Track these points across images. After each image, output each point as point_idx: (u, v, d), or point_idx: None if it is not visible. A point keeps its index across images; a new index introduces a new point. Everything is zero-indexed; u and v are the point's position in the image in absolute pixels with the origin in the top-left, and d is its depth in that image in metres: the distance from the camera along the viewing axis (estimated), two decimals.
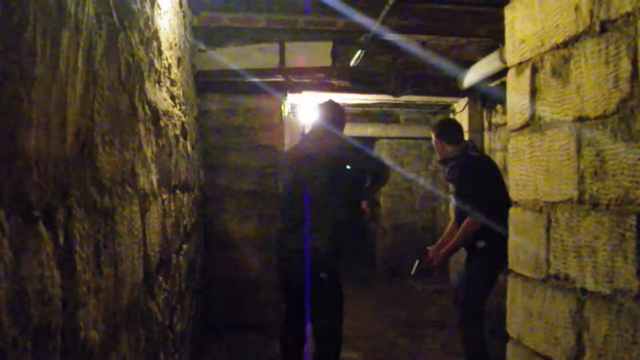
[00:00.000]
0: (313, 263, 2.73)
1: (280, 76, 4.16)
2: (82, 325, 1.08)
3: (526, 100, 1.60)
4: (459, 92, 4.67)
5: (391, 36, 3.52)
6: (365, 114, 6.77)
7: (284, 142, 4.54)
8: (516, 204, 1.68)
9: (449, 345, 4.21)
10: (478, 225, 3.09)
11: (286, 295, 3.07)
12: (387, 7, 2.91)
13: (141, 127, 1.69)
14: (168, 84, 2.31)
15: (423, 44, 3.86)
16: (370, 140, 7.55)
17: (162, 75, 2.15)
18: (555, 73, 1.45)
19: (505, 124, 4.11)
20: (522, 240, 1.63)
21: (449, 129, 3.45)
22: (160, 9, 2.08)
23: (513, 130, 1.70)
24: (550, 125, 1.48)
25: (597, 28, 1.27)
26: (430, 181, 7.13)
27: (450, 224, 3.62)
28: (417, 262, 3.48)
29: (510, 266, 1.71)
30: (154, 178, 1.89)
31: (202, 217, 3.95)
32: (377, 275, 7.40)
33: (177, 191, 2.56)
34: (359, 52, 3.87)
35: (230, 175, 4.23)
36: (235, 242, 4.22)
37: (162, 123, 2.09)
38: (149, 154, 1.81)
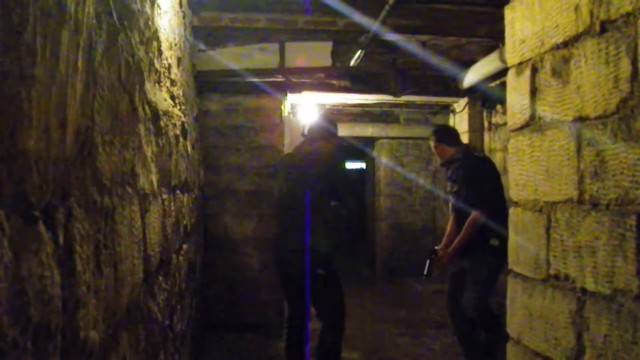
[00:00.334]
0: (312, 261, 2.91)
1: (280, 76, 4.16)
2: (82, 325, 1.08)
3: (526, 100, 1.60)
4: (459, 92, 4.66)
5: (391, 36, 3.52)
6: (365, 114, 6.77)
7: (284, 142, 4.54)
8: (516, 204, 1.68)
9: (449, 345, 4.21)
10: (482, 219, 3.21)
11: (288, 294, 3.24)
12: (387, 7, 2.91)
13: (141, 127, 1.69)
14: (168, 84, 2.31)
15: (423, 44, 3.86)
16: (370, 140, 7.56)
17: (162, 75, 2.15)
18: (555, 73, 1.45)
19: (505, 124, 4.11)
20: (522, 240, 1.63)
21: (447, 133, 3.61)
22: (160, 9, 2.08)
23: (513, 130, 1.70)
24: (550, 125, 1.48)
25: (597, 28, 1.27)
26: (430, 181, 7.13)
27: (450, 223, 3.66)
28: (427, 262, 3.49)
29: (510, 266, 1.71)
30: (154, 178, 1.89)
31: (202, 217, 3.95)
32: (377, 275, 7.40)
33: (177, 191, 2.56)
34: (359, 52, 3.87)
35: (230, 175, 4.23)
36: (235, 242, 4.21)
37: (162, 123, 2.09)
38: (149, 154, 1.81)
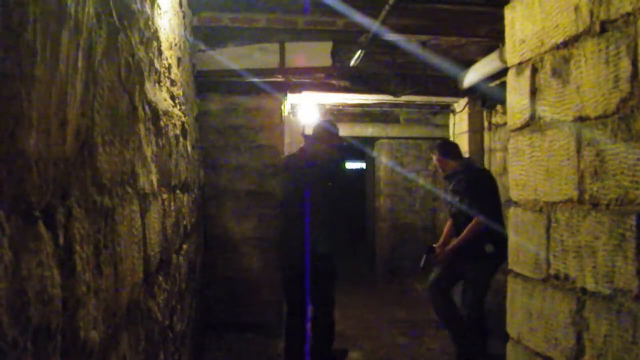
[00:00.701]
0: (314, 257, 3.22)
1: (280, 76, 4.16)
2: (82, 325, 1.08)
3: (526, 100, 1.60)
4: (459, 92, 4.66)
5: (391, 36, 3.52)
6: (365, 114, 6.77)
7: (284, 142, 4.54)
8: (516, 204, 1.68)
9: (449, 345, 4.21)
10: (483, 226, 3.49)
11: (289, 288, 3.47)
12: (387, 7, 2.90)
13: (141, 127, 1.69)
14: (168, 84, 2.31)
15: (423, 44, 3.86)
16: (370, 140, 7.55)
17: (162, 75, 2.15)
18: (555, 73, 1.45)
19: (505, 124, 4.11)
20: (522, 240, 1.63)
21: (450, 148, 3.95)
22: (160, 9, 2.08)
23: (513, 130, 1.70)
24: (550, 125, 1.48)
25: (597, 28, 1.27)
26: (430, 181, 7.13)
27: (447, 225, 3.99)
28: (424, 256, 3.84)
29: (510, 266, 1.71)
30: (154, 178, 1.89)
31: (202, 217, 3.95)
32: (377, 275, 7.40)
33: (177, 191, 2.56)
34: (359, 52, 3.86)
35: (230, 175, 4.23)
36: (235, 242, 4.21)
37: (162, 123, 2.09)
38: (149, 154, 1.81)
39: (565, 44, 1.40)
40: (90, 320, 1.13)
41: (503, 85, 3.64)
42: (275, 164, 4.31)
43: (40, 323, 0.86)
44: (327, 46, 4.05)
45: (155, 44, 1.97)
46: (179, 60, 2.66)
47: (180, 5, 2.79)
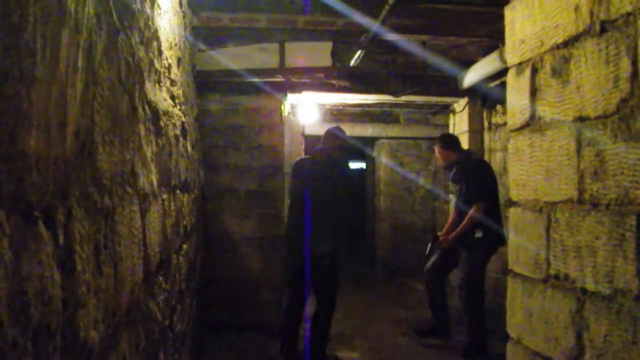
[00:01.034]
0: (320, 253, 3.43)
1: (280, 76, 4.16)
2: (82, 325, 1.08)
3: (526, 100, 1.60)
4: (459, 92, 4.66)
5: (391, 36, 3.52)
6: (365, 114, 6.77)
7: (284, 142, 4.54)
8: (516, 204, 1.68)
9: (449, 345, 4.21)
10: (482, 211, 3.76)
11: (293, 279, 3.71)
12: (387, 7, 2.90)
13: (141, 127, 1.69)
14: (168, 84, 2.31)
15: (423, 44, 3.86)
16: (370, 140, 7.55)
17: (162, 75, 2.15)
18: (555, 73, 1.45)
19: (505, 124, 4.11)
20: (522, 240, 1.63)
21: (451, 140, 4.22)
22: (160, 9, 2.08)
23: (513, 130, 1.70)
24: (550, 125, 1.48)
25: (597, 28, 1.27)
26: (430, 181, 7.13)
27: (451, 217, 4.23)
28: (429, 245, 4.20)
29: (510, 266, 1.71)
30: (154, 178, 1.89)
31: (202, 217, 3.95)
32: (377, 275, 7.40)
33: (177, 191, 2.56)
34: (359, 52, 3.86)
35: (230, 175, 4.23)
36: (235, 242, 4.21)
37: (162, 123, 2.09)
38: (149, 154, 1.81)
39: (565, 44, 1.40)
40: (90, 320, 1.13)
41: (503, 85, 3.64)
42: (275, 164, 4.31)
43: (40, 323, 0.86)
44: (327, 46, 4.05)
45: (155, 44, 1.97)
46: (179, 60, 2.66)
47: (180, 5, 2.79)
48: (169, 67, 2.33)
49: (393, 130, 6.97)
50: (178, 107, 2.61)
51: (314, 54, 4.10)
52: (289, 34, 3.87)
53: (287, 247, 3.81)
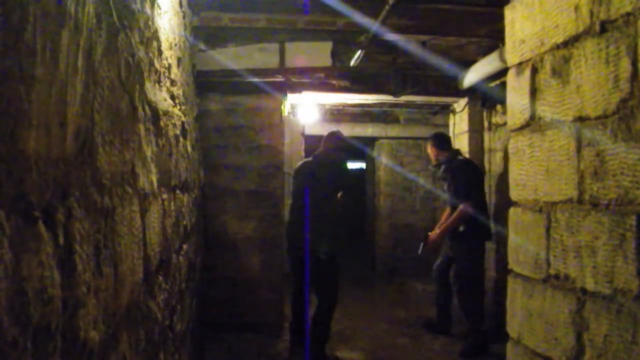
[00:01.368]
0: (316, 247, 3.61)
1: (280, 76, 4.16)
2: (82, 325, 1.08)
3: (526, 100, 1.60)
4: (459, 92, 4.66)
5: (391, 36, 3.52)
6: (365, 114, 6.77)
7: (284, 142, 4.54)
8: (516, 204, 1.68)
9: (449, 345, 4.21)
10: (470, 211, 3.96)
11: (294, 272, 3.91)
12: (387, 7, 2.90)
13: (141, 127, 1.69)
14: (168, 84, 2.31)
15: (423, 44, 3.86)
16: (370, 140, 7.55)
17: (162, 75, 2.15)
18: (555, 73, 1.45)
19: (505, 124, 4.11)
20: (522, 240, 1.63)
21: (443, 140, 4.45)
22: (160, 9, 2.08)
23: (513, 130, 1.70)
24: (550, 125, 1.48)
25: (597, 28, 1.27)
26: (430, 181, 7.12)
27: (445, 214, 4.45)
28: (421, 244, 4.35)
29: (510, 266, 1.71)
30: (154, 178, 1.89)
31: (202, 217, 3.95)
32: (377, 275, 7.40)
33: (177, 191, 2.56)
34: (359, 52, 3.86)
35: (230, 175, 4.23)
36: (235, 242, 4.21)
37: (162, 123, 2.09)
38: (149, 154, 1.81)
39: (565, 44, 1.40)
40: (90, 320, 1.13)
41: (503, 85, 3.65)
42: (275, 164, 4.31)
43: (40, 323, 0.86)
44: (327, 46, 4.05)
45: (155, 44, 1.97)
46: (179, 60, 2.66)
47: (180, 5, 2.79)
48: (169, 67, 2.33)
49: (393, 130, 6.97)
50: (178, 107, 2.61)
51: (314, 54, 4.10)
52: (289, 34, 3.87)
53: (287, 245, 3.98)
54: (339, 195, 3.90)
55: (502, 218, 4.29)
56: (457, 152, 4.37)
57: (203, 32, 3.64)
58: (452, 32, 3.66)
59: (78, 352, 1.06)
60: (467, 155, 4.79)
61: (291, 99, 4.80)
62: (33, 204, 0.86)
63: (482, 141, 4.85)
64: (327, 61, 4.10)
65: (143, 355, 1.68)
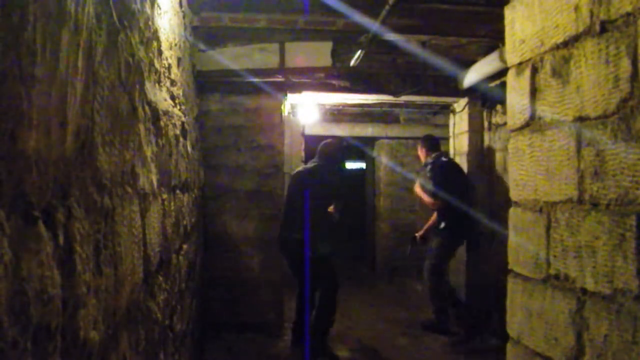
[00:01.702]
0: (312, 249, 3.81)
1: (280, 76, 4.16)
2: (82, 325, 1.08)
3: (526, 100, 1.60)
4: (459, 92, 4.66)
5: (391, 36, 3.52)
6: (365, 114, 6.76)
7: (284, 142, 4.54)
8: (516, 204, 1.68)
9: (449, 345, 4.21)
10: (439, 204, 4.42)
11: (294, 274, 4.11)
12: (387, 7, 2.90)
13: (141, 127, 1.69)
14: (168, 84, 2.31)
15: (423, 44, 3.85)
16: (370, 140, 7.55)
17: (162, 75, 2.15)
18: (555, 73, 1.45)
19: (505, 124, 4.12)
20: (522, 240, 1.63)
21: (432, 142, 4.77)
22: (160, 9, 2.08)
23: (513, 130, 1.70)
24: (550, 125, 1.48)
25: (597, 28, 1.27)
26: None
27: (434, 214, 4.76)
28: (409, 246, 4.85)
29: (510, 266, 1.71)
30: (154, 178, 1.89)
31: (202, 217, 3.95)
32: (377, 275, 7.40)
33: (177, 191, 2.56)
34: (359, 52, 3.86)
35: (230, 175, 4.23)
36: (235, 242, 4.21)
37: (162, 123, 2.09)
38: (149, 154, 1.81)
39: (565, 44, 1.40)
40: (90, 320, 1.13)
41: (503, 85, 3.65)
42: (275, 164, 4.31)
43: (40, 323, 0.86)
44: (327, 46, 4.05)
45: (155, 44, 1.97)
46: (179, 60, 2.66)
47: (180, 5, 2.79)
48: (169, 67, 2.33)
49: (393, 130, 6.97)
50: (178, 107, 2.61)
51: (314, 54, 4.10)
52: (289, 34, 3.87)
53: (282, 245, 4.09)
54: (332, 205, 4.12)
55: (502, 218, 4.29)
56: (442, 154, 4.65)
57: (203, 32, 3.64)
58: (452, 32, 3.66)
59: (78, 352, 1.06)
60: (467, 156, 4.84)
61: (291, 99, 4.80)
62: (33, 204, 0.86)
63: (482, 141, 4.85)
64: (327, 61, 4.10)
65: (143, 355, 1.68)
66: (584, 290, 1.32)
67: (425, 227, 4.79)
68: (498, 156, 4.57)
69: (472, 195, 4.63)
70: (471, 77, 4.25)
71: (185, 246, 2.81)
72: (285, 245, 4.02)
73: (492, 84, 4.25)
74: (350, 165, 11.66)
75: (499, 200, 4.45)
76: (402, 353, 4.07)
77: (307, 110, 5.49)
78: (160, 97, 2.11)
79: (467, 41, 3.90)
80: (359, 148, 7.86)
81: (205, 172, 4.07)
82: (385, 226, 7.38)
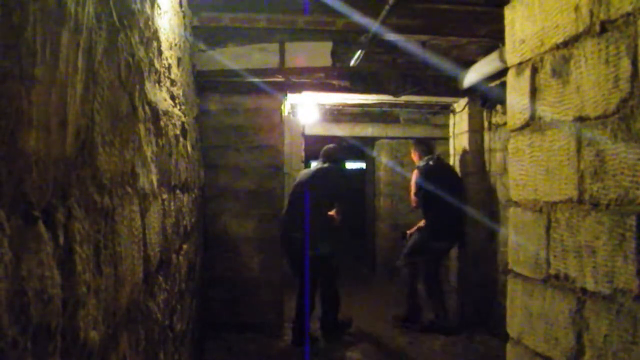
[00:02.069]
0: (313, 247, 4.02)
1: (280, 76, 4.16)
2: (82, 325, 1.08)
3: (526, 100, 1.60)
4: (459, 92, 4.66)
5: (391, 36, 3.52)
6: (365, 114, 6.76)
7: (284, 142, 4.54)
8: (516, 204, 1.68)
9: (449, 345, 4.21)
10: (415, 204, 4.94)
11: (294, 274, 4.31)
12: (387, 7, 2.90)
13: (141, 127, 1.69)
14: (168, 84, 2.31)
15: (423, 44, 3.85)
16: (370, 140, 7.55)
17: (162, 75, 2.15)
18: (555, 73, 1.45)
19: (505, 124, 4.11)
20: (522, 240, 1.63)
21: (423, 145, 5.10)
22: (160, 9, 2.08)
23: (513, 130, 1.70)
24: (550, 125, 1.48)
25: (597, 28, 1.27)
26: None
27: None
28: (402, 239, 5.16)
29: (510, 266, 1.71)
30: (154, 178, 1.89)
31: (202, 217, 3.95)
32: (377, 275, 7.40)
33: (177, 191, 2.56)
34: (359, 52, 3.86)
35: (230, 175, 4.23)
36: (235, 242, 4.21)
37: (162, 123, 2.09)
38: (149, 154, 1.81)
39: (565, 44, 1.40)
40: (90, 320, 1.13)
41: (503, 85, 3.65)
42: (275, 164, 4.31)
43: (40, 323, 0.86)
44: (327, 46, 4.05)
45: (155, 44, 1.97)
46: (179, 60, 2.66)
47: (180, 5, 2.79)
48: (169, 67, 2.33)
49: (393, 130, 6.96)
50: (178, 107, 2.61)
51: (314, 54, 4.10)
52: (289, 34, 3.87)
53: (285, 244, 4.24)
54: (335, 207, 4.30)
55: (502, 218, 4.30)
56: (431, 157, 4.87)
57: (203, 32, 3.64)
58: (452, 32, 3.66)
59: (78, 352, 1.06)
60: (467, 156, 4.86)
61: (291, 99, 4.80)
62: (33, 204, 0.86)
63: (482, 141, 4.85)
64: (327, 61, 4.10)
65: (143, 355, 1.68)
66: (584, 290, 1.32)
67: (417, 225, 5.04)
68: (498, 156, 4.57)
69: (462, 196, 4.74)
70: (471, 77, 4.25)
71: (185, 246, 2.81)
72: (288, 243, 4.15)
73: (492, 84, 4.25)
74: (350, 165, 11.67)
75: (498, 200, 4.45)
76: (401, 353, 4.07)
77: (307, 110, 5.49)
78: (160, 97, 2.11)
79: (467, 41, 3.90)
80: (359, 148, 7.85)
81: (205, 172, 4.07)
82: (385, 226, 7.37)
